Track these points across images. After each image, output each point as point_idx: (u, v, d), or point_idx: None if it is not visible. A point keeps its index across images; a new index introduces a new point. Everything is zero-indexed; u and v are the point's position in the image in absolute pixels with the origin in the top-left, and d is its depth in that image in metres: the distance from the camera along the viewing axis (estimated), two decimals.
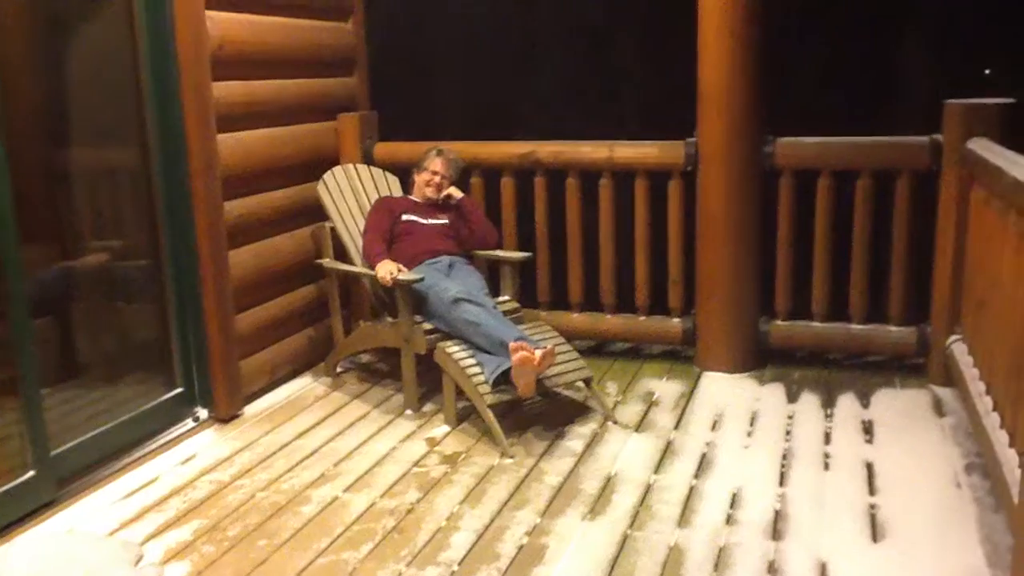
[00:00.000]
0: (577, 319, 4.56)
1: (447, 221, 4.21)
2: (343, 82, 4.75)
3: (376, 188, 4.49)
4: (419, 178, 4.25)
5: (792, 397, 3.96)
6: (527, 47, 5.01)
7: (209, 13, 3.67)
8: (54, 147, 3.59)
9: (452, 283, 3.82)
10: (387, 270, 3.80)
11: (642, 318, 4.48)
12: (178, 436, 3.73)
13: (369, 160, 4.62)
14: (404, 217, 4.15)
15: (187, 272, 3.76)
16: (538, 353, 3.43)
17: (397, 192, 4.53)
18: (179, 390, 3.84)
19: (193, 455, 3.58)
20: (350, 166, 4.49)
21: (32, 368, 3.09)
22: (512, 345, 3.45)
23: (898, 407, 3.80)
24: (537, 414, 3.84)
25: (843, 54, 4.75)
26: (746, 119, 4.05)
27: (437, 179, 4.21)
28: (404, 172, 4.48)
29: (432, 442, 3.64)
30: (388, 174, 4.57)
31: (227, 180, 3.82)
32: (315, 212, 4.35)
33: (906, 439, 3.48)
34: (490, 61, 5.01)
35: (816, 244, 4.18)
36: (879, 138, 4.06)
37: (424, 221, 4.16)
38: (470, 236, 4.25)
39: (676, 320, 4.42)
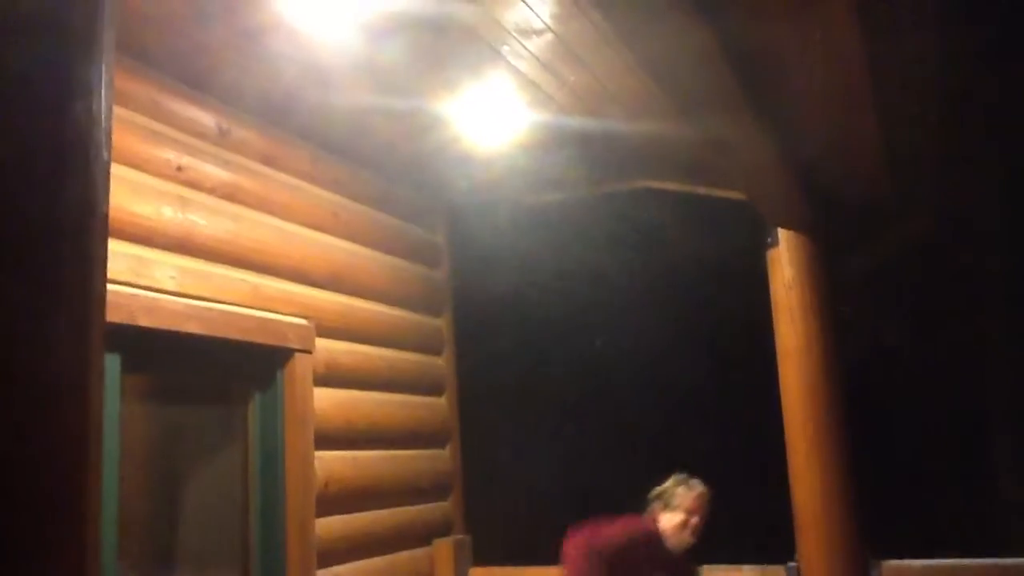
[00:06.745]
0: None
1: None
2: (439, 507, 4.86)
3: None
4: (672, 520, 3.49)
5: None
6: (619, 473, 5.12)
7: (318, 453, 3.89)
8: (158, 569, 3.65)
9: None
10: None
11: None
12: None
13: None
14: None
15: None
16: None
17: None
18: None
19: None
20: None
21: None
22: None
23: None
24: None
25: (940, 463, 4.68)
26: (847, 544, 3.95)
27: (696, 520, 3.49)
28: None
29: None
30: None
31: None
32: None
33: None
34: (586, 488, 5.11)
35: None
36: (991, 561, 3.88)
37: None
38: None
39: None
